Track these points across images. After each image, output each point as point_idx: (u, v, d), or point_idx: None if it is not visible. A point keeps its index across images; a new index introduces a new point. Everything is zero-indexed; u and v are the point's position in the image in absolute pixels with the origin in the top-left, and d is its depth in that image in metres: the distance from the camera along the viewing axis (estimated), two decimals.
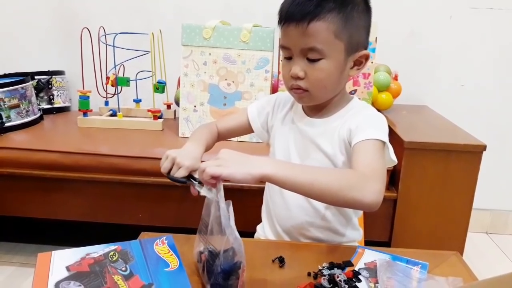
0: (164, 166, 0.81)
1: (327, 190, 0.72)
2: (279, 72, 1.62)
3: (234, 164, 0.68)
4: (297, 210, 0.94)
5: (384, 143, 0.83)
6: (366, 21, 0.85)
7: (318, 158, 0.90)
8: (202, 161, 0.74)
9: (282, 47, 0.84)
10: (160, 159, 1.47)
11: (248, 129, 1.03)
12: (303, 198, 0.93)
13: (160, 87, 1.79)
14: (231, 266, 0.66)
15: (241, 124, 1.03)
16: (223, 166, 0.67)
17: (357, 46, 0.84)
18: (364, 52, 0.85)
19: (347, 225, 0.97)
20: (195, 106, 1.64)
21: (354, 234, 0.99)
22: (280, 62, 1.60)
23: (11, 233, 1.90)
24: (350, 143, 0.85)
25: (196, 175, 0.78)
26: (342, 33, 0.80)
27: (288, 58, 0.84)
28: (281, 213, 0.97)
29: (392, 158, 0.86)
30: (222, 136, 1.01)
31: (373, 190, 0.73)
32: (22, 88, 1.71)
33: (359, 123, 0.85)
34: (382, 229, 1.49)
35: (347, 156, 0.88)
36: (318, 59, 0.81)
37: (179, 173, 0.78)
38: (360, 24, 0.83)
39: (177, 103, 1.81)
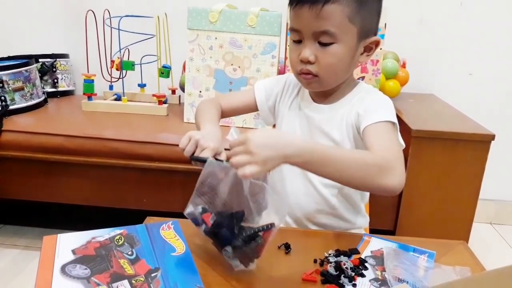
0: (188, 150, 0.78)
1: (356, 177, 0.72)
2: (285, 58, 1.59)
3: (267, 158, 0.65)
4: (304, 197, 0.94)
5: (394, 124, 0.82)
6: (378, 7, 0.83)
7: (326, 145, 0.88)
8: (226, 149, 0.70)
9: (292, 29, 0.82)
10: (165, 144, 1.48)
11: (253, 108, 1.00)
12: (311, 186, 0.92)
13: (165, 71, 1.78)
14: (262, 227, 0.67)
15: (246, 103, 1.00)
16: (255, 164, 0.64)
17: (369, 32, 0.82)
18: (375, 38, 0.84)
19: (354, 211, 0.97)
20: (200, 92, 1.62)
21: (361, 220, 0.99)
22: (288, 47, 1.59)
23: (16, 216, 1.90)
24: (358, 128, 0.84)
25: (220, 157, 0.77)
26: (355, 17, 0.78)
27: (297, 42, 0.82)
28: (288, 200, 0.96)
29: (400, 141, 0.85)
30: (225, 114, 0.98)
31: (399, 174, 0.73)
32: (26, 70, 1.70)
33: (367, 106, 0.83)
34: (387, 218, 1.49)
35: (355, 142, 0.87)
36: (330, 43, 0.79)
37: (204, 154, 0.76)
38: (373, 9, 0.82)
39: (182, 88, 1.80)
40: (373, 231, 0.98)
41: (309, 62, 0.80)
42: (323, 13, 0.76)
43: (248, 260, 0.69)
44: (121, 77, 1.76)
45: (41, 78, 1.85)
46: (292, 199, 0.95)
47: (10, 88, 1.64)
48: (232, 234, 0.69)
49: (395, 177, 0.72)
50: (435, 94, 1.96)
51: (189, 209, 0.75)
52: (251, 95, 0.99)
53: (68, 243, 0.72)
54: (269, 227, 0.67)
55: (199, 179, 0.76)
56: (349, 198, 0.94)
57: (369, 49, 0.85)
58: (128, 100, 1.78)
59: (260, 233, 0.67)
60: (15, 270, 1.56)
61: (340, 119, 0.87)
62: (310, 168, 0.69)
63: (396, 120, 0.82)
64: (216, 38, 1.56)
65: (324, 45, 0.79)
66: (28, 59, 1.75)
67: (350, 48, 0.81)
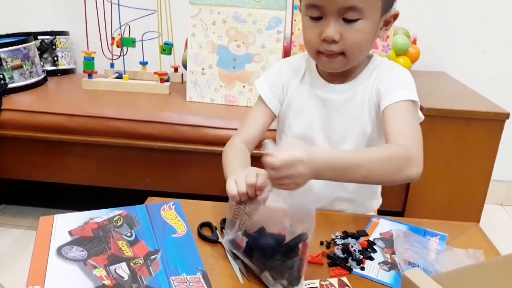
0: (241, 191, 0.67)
1: (383, 175, 0.71)
2: (291, 33, 1.53)
3: (301, 176, 0.62)
4: (320, 184, 0.88)
5: (414, 102, 0.78)
6: None
7: (347, 128, 0.85)
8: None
9: (311, 5, 0.75)
10: (167, 123, 1.45)
11: (272, 115, 0.92)
12: None
13: (167, 48, 1.73)
14: (295, 239, 0.62)
15: (265, 121, 0.91)
16: (290, 185, 0.62)
17: (390, 5, 0.78)
18: (394, 11, 0.79)
19: (371, 195, 0.94)
20: (203, 69, 1.58)
21: (375, 203, 0.97)
22: (294, 21, 1.53)
23: (18, 196, 1.89)
24: (379, 105, 0.80)
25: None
26: None
27: (316, 19, 0.76)
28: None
29: (420, 116, 0.82)
30: (252, 146, 0.91)
31: (420, 161, 0.71)
32: (24, 48, 1.66)
33: (387, 83, 0.80)
34: (395, 199, 1.46)
35: (377, 120, 0.84)
36: (356, 20, 0.74)
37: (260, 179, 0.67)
38: None
39: (185, 66, 1.75)
40: (381, 212, 0.96)
41: (333, 41, 0.75)
42: None
43: (290, 283, 0.62)
44: (122, 54, 1.72)
45: (40, 56, 1.81)
46: (307, 187, 0.91)
47: (8, 66, 1.61)
48: (267, 255, 0.63)
49: (418, 166, 0.71)
50: (447, 72, 1.90)
51: (228, 236, 0.69)
52: (261, 105, 0.91)
53: (64, 224, 0.70)
54: (303, 238, 0.62)
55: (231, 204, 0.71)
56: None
57: (387, 23, 0.80)
58: (130, 78, 1.74)
59: (299, 245, 0.62)
60: (18, 250, 1.56)
61: (361, 97, 0.83)
62: (339, 177, 0.68)
63: (417, 98, 0.78)
64: (219, 12, 1.50)
65: (349, 21, 0.74)
66: (27, 36, 1.70)
67: (374, 23, 0.76)
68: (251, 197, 0.66)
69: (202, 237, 0.74)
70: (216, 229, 0.75)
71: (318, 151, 0.67)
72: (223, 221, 0.77)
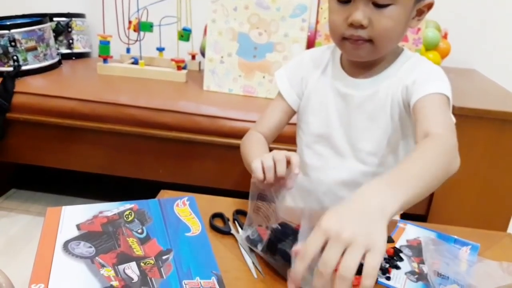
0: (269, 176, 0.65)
1: (441, 178, 0.61)
2: (317, 22, 1.47)
3: (360, 236, 0.45)
4: (336, 186, 0.85)
5: (448, 98, 0.72)
6: None
7: (367, 126, 0.80)
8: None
9: None
10: (183, 113, 1.40)
11: (292, 112, 0.89)
12: (345, 174, 0.84)
13: (185, 34, 1.69)
14: None
15: (283, 116, 0.88)
16: (353, 253, 0.44)
17: None
18: (429, 0, 0.74)
19: None
20: (222, 57, 1.52)
21: None
22: (320, 9, 1.47)
23: (29, 181, 1.87)
24: (408, 102, 0.74)
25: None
26: None
27: (344, 2, 0.71)
28: (317, 188, 0.87)
29: (452, 117, 0.75)
30: (271, 139, 0.88)
31: (457, 152, 0.66)
32: (39, 29, 1.62)
33: (417, 77, 0.74)
34: (419, 202, 1.39)
35: (400, 121, 0.78)
36: (387, 5, 0.69)
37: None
38: None
39: (203, 54, 1.70)
40: (403, 215, 0.90)
41: (361, 27, 0.70)
42: None
43: None
44: (138, 39, 1.68)
45: (55, 38, 1.78)
46: (322, 188, 0.87)
47: (22, 48, 1.57)
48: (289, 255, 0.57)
49: (458, 158, 0.66)
50: (477, 69, 1.83)
51: (246, 232, 0.67)
52: (281, 100, 0.88)
53: (73, 216, 0.65)
54: None
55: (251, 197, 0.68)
56: None
57: (420, 13, 0.75)
58: (146, 65, 1.70)
59: None
60: (27, 237, 1.53)
61: (385, 94, 0.77)
62: (408, 205, 0.56)
63: (450, 95, 0.72)
64: None
65: (380, 6, 0.69)
66: (42, 17, 1.67)
67: (407, 10, 0.71)
68: (277, 179, 0.64)
69: (214, 227, 0.71)
70: (228, 220, 0.72)
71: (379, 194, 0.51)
72: (236, 212, 0.74)
